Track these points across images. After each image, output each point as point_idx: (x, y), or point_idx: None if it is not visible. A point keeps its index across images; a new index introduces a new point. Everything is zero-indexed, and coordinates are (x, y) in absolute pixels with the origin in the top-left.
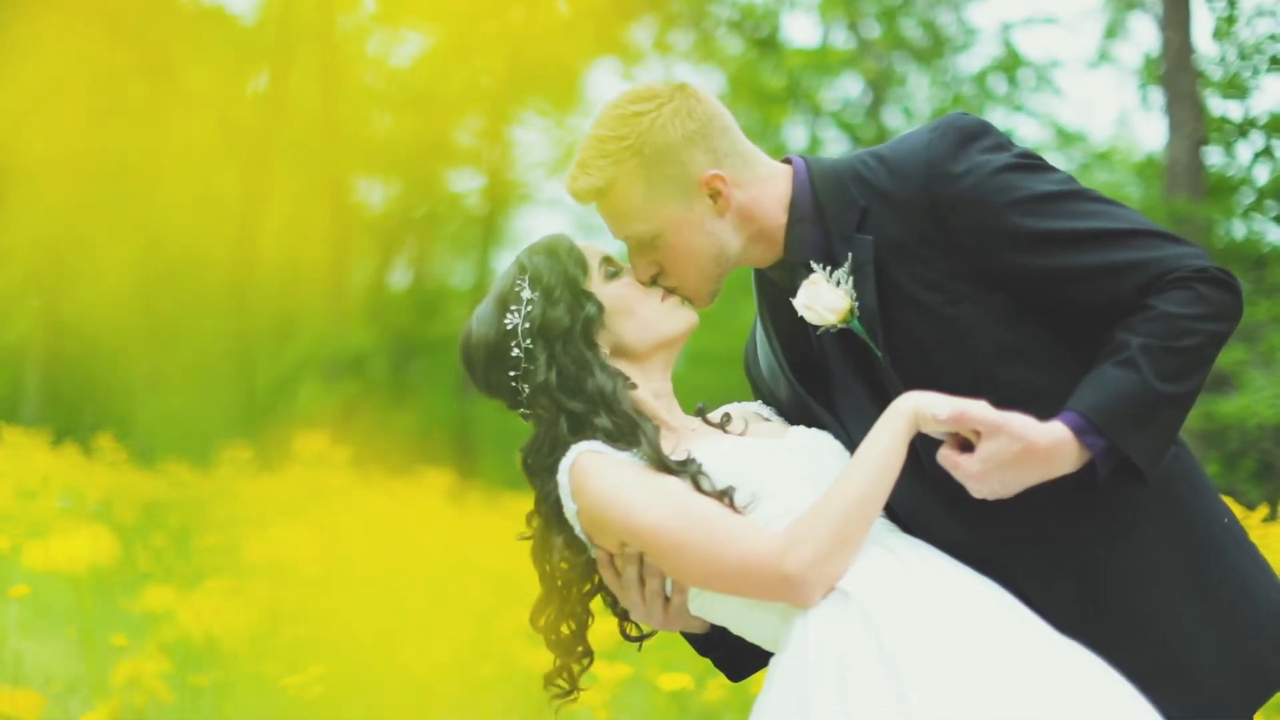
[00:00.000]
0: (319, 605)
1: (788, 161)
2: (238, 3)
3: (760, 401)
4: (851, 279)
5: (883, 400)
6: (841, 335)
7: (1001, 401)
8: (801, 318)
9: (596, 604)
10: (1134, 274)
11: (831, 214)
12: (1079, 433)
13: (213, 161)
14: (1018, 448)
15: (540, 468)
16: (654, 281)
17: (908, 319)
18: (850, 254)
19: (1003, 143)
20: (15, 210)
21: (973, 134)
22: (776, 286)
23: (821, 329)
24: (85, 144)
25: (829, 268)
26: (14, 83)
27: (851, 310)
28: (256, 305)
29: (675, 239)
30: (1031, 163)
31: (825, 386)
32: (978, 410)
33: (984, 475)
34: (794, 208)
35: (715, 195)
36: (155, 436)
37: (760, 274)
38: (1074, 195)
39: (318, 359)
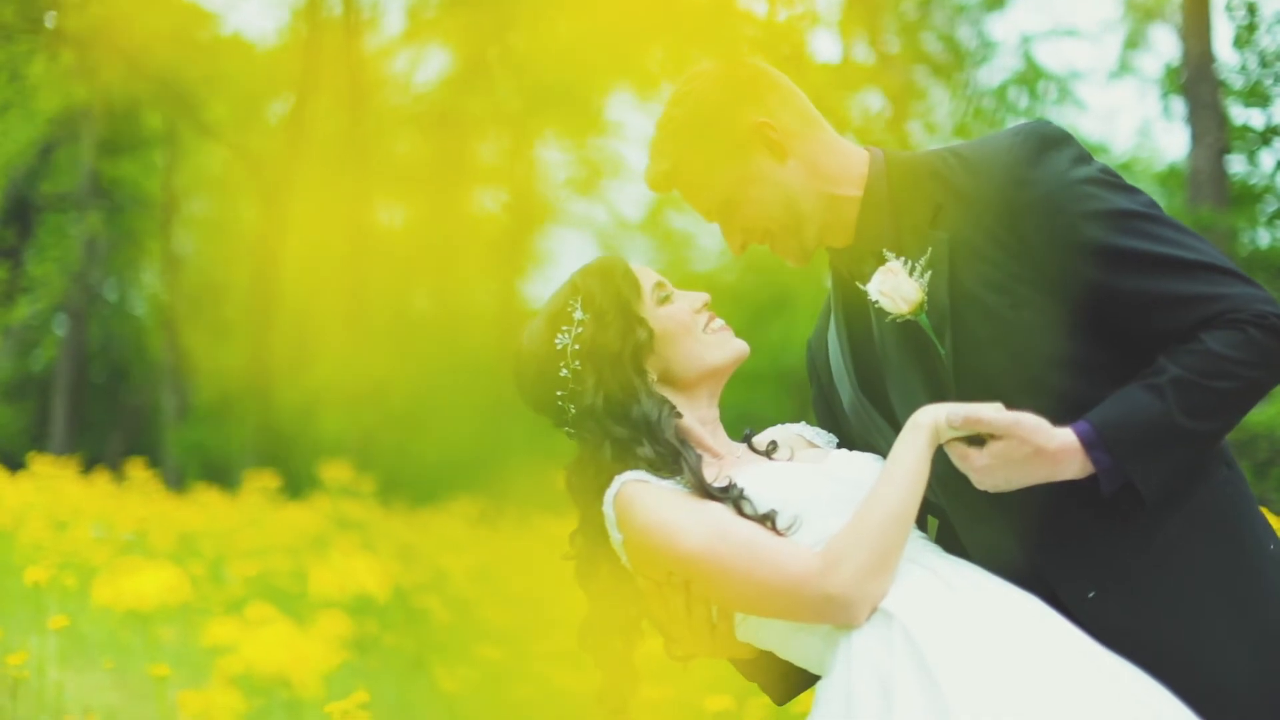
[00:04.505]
0: (363, 631)
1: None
2: (256, 30)
3: (815, 394)
4: (929, 273)
5: (935, 393)
6: (904, 325)
7: (1050, 408)
8: (874, 303)
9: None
10: (1195, 308)
11: (905, 206)
12: (1088, 445)
13: (232, 188)
14: (1027, 450)
15: (583, 488)
16: (743, 249)
17: (969, 318)
18: (930, 249)
19: (1084, 155)
20: (42, 241)
21: (1055, 141)
22: (841, 275)
23: (890, 316)
24: (107, 174)
25: (905, 259)
26: (35, 116)
27: (922, 304)
28: (277, 331)
29: (745, 197)
30: (1113, 180)
31: (879, 379)
32: (990, 413)
33: (991, 470)
34: (868, 194)
35: (769, 144)
36: (182, 464)
37: (834, 265)
38: (1152, 219)
39: (340, 385)
